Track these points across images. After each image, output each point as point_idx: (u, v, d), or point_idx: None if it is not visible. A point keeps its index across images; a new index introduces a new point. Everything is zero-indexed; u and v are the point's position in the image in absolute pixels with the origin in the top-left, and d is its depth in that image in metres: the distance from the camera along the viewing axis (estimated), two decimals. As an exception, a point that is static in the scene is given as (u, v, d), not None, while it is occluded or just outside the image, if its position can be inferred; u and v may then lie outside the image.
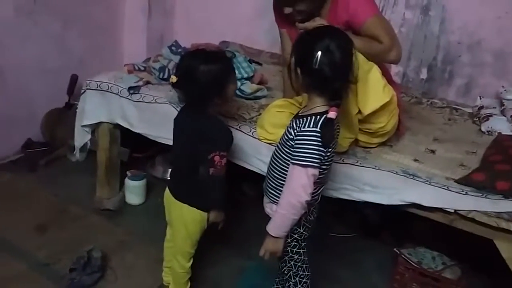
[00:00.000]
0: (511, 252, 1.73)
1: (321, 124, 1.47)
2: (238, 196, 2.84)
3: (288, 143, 1.54)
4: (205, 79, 1.68)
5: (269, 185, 1.66)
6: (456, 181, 1.83)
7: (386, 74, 1.99)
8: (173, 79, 1.72)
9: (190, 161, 1.78)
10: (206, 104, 1.74)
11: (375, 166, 1.90)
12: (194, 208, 1.81)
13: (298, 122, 1.53)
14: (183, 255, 1.93)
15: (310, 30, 1.60)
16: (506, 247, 1.73)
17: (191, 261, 1.96)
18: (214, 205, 1.82)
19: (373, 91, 1.81)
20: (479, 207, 1.72)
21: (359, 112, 1.85)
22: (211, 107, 1.76)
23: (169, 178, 1.99)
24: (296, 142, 1.50)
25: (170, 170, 2.07)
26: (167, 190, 1.90)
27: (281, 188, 1.58)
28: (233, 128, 2.10)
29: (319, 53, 1.43)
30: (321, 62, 1.43)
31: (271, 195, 1.65)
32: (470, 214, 1.73)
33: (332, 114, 1.48)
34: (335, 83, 1.48)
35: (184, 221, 1.85)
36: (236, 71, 2.32)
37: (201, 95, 1.71)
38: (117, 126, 2.41)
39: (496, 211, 1.70)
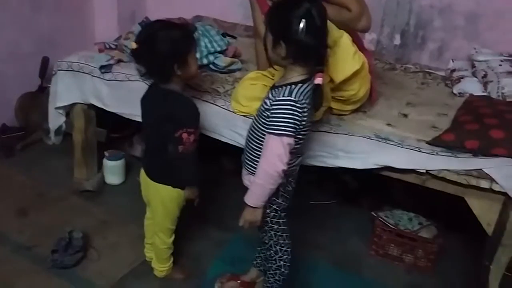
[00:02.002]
0: (482, 208, 1.78)
1: (296, 93, 1.47)
2: (217, 170, 2.85)
3: (264, 114, 1.55)
4: (163, 46, 1.66)
5: (247, 157, 1.67)
6: (427, 142, 1.86)
7: (357, 41, 1.99)
8: (133, 45, 1.70)
9: (159, 139, 1.77)
10: (166, 75, 1.71)
11: (349, 132, 1.93)
12: (169, 187, 1.82)
13: (274, 92, 1.53)
14: (164, 232, 1.95)
15: (283, 0, 1.55)
16: (476, 204, 1.79)
17: (173, 236, 1.98)
18: (187, 183, 1.82)
19: (343, 59, 1.81)
20: (449, 166, 1.76)
21: (331, 80, 1.86)
22: (174, 82, 1.73)
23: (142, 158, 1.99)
24: (272, 111, 1.50)
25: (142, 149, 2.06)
26: (142, 169, 1.91)
27: (258, 159, 1.58)
28: (208, 102, 2.10)
29: (303, 21, 1.42)
30: (306, 31, 1.42)
31: (249, 167, 1.66)
32: (441, 173, 1.78)
33: (319, 80, 1.50)
34: (320, 49, 1.49)
35: (161, 199, 1.86)
36: (209, 45, 2.33)
37: (160, 64, 1.68)
38: (91, 106, 2.39)
39: (466, 169, 1.74)
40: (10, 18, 2.84)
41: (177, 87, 1.75)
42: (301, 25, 1.42)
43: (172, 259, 2.05)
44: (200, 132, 2.06)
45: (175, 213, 1.91)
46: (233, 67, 2.39)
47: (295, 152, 1.60)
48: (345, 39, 1.84)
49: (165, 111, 1.73)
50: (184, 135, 1.68)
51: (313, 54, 1.49)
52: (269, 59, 1.57)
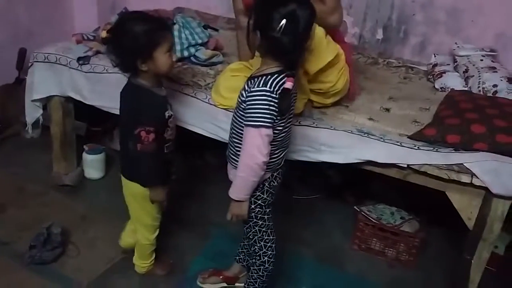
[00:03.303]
0: (462, 202, 1.80)
1: (271, 84, 1.45)
2: (199, 165, 2.83)
3: (242, 106, 1.53)
4: (125, 40, 1.61)
5: (231, 151, 1.65)
6: (409, 137, 1.87)
7: (335, 34, 1.98)
8: (103, 34, 1.67)
9: (124, 135, 1.74)
10: (131, 69, 1.68)
11: (331, 127, 1.92)
12: (133, 183, 1.79)
13: (250, 83, 1.51)
14: (145, 228, 1.92)
15: None
16: (457, 198, 1.80)
17: (156, 232, 1.95)
18: (146, 182, 1.77)
19: (317, 50, 1.77)
20: (430, 161, 1.77)
21: (306, 72, 1.84)
22: (142, 76, 1.68)
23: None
24: (248, 103, 1.49)
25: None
26: None
27: (240, 153, 1.56)
28: (188, 95, 2.07)
29: (284, 21, 1.39)
30: (284, 31, 1.39)
31: (233, 161, 1.64)
32: (422, 168, 1.78)
33: (288, 85, 1.47)
34: (294, 54, 1.47)
35: (133, 195, 1.84)
36: (190, 37, 2.29)
37: (122, 58, 1.65)
38: (69, 99, 2.34)
39: (447, 163, 1.75)
40: (-15, 7, 2.76)
41: (145, 82, 1.69)
42: (281, 23, 1.39)
43: (154, 256, 2.02)
44: (180, 126, 2.05)
45: (152, 210, 1.87)
46: (214, 60, 2.36)
47: (278, 145, 1.58)
48: (318, 31, 1.81)
49: (128, 106, 1.71)
50: (143, 133, 1.63)
51: (284, 55, 1.46)
52: (247, 42, 1.54)
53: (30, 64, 2.31)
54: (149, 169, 1.72)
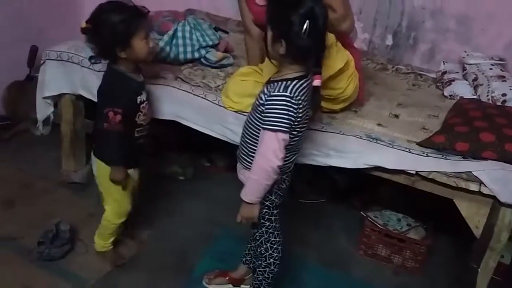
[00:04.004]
0: (470, 210, 1.80)
1: (291, 89, 1.47)
2: (207, 166, 2.84)
3: (259, 108, 1.54)
4: (103, 29, 1.68)
5: (243, 152, 1.66)
6: (417, 143, 1.87)
7: (345, 39, 1.99)
8: (82, 24, 1.72)
9: (98, 115, 1.81)
10: (110, 57, 1.76)
11: (340, 131, 1.93)
12: (101, 161, 1.87)
13: (269, 87, 1.52)
14: (115, 204, 1.96)
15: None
16: (465, 206, 1.80)
17: (122, 219, 1.99)
18: (108, 160, 1.84)
19: (327, 57, 1.78)
20: (439, 168, 1.78)
21: None
22: (121, 63, 1.76)
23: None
24: (267, 107, 1.49)
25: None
26: None
27: (253, 154, 1.58)
28: (198, 96, 2.08)
29: (307, 22, 1.39)
30: (309, 32, 1.40)
31: (245, 162, 1.65)
32: (430, 175, 1.79)
33: (317, 82, 1.49)
34: (319, 50, 1.49)
35: (99, 173, 1.92)
36: (201, 39, 2.31)
37: (102, 47, 1.73)
38: (80, 97, 2.35)
39: (455, 171, 1.76)
40: (-2, 5, 2.79)
41: (122, 68, 1.78)
42: (305, 26, 1.39)
43: (111, 240, 2.05)
44: (188, 127, 2.07)
45: (116, 191, 1.91)
46: (224, 62, 2.37)
47: (291, 149, 1.59)
48: (329, 38, 1.83)
49: (102, 88, 1.80)
50: (110, 113, 1.71)
51: (312, 55, 1.49)
52: (267, 54, 1.55)
53: (42, 62, 2.33)
54: (112, 149, 1.80)
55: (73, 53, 2.26)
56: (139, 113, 1.83)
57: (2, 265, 1.98)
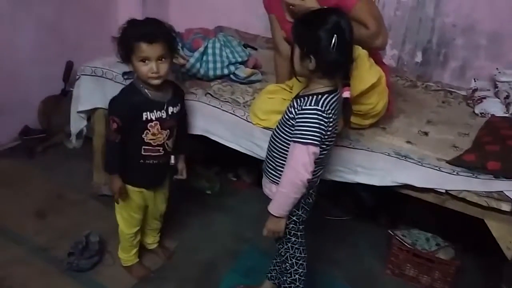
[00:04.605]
0: (501, 231, 1.76)
1: (322, 103, 1.48)
2: (233, 180, 2.86)
3: (289, 123, 1.55)
4: (118, 43, 1.74)
5: (269, 166, 1.67)
6: (447, 162, 1.84)
7: (375, 55, 1.99)
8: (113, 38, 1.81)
9: None
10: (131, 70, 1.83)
11: (368, 148, 1.92)
12: None
13: (299, 101, 1.53)
14: (120, 218, 2.01)
15: (309, 15, 1.53)
16: (496, 226, 1.76)
17: (132, 229, 2.01)
18: (104, 168, 1.91)
19: (360, 72, 1.79)
20: (470, 187, 1.74)
21: None
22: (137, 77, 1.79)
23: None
24: (297, 120, 1.51)
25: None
26: None
27: (281, 168, 1.59)
28: (227, 112, 2.11)
29: (335, 36, 1.42)
30: (337, 46, 1.43)
31: (271, 176, 1.66)
32: (461, 194, 1.75)
33: (347, 94, 1.51)
34: (348, 63, 1.51)
35: None
36: (230, 55, 2.35)
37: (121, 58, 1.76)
38: (112, 112, 2.41)
39: (487, 190, 1.72)
40: (35, 20, 2.89)
41: (139, 82, 1.79)
42: (333, 40, 1.42)
43: (134, 252, 2.08)
44: (216, 141, 2.09)
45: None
46: (253, 78, 2.41)
47: (318, 163, 1.59)
48: (361, 52, 1.83)
49: (113, 96, 1.84)
50: (110, 120, 1.77)
51: (341, 68, 1.51)
52: (295, 72, 1.57)
53: (77, 77, 2.40)
54: (107, 157, 1.89)
55: (107, 69, 2.33)
56: (147, 131, 1.79)
57: (34, 275, 2.03)
